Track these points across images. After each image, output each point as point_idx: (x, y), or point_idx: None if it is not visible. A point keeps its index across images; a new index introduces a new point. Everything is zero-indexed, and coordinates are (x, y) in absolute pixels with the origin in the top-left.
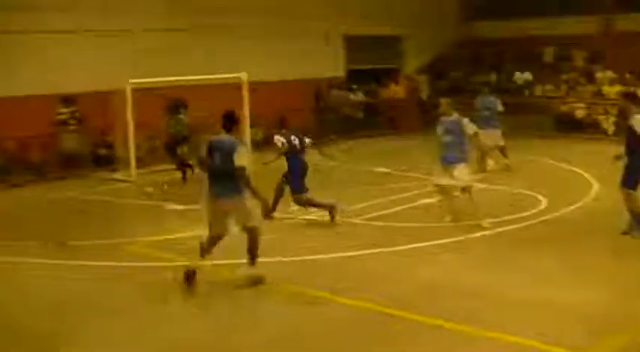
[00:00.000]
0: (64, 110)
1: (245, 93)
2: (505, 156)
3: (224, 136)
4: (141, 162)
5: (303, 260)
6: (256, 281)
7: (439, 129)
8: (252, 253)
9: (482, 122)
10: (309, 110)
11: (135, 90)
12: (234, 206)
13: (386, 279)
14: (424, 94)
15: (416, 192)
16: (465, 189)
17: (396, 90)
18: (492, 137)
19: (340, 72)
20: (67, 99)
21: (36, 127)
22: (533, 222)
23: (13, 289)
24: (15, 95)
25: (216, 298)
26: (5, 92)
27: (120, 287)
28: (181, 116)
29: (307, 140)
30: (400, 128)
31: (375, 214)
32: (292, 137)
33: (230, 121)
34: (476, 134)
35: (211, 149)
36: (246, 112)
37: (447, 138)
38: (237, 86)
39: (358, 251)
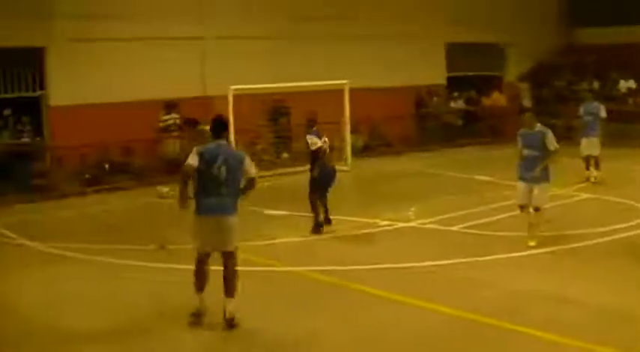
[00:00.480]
0: (166, 117)
1: (346, 100)
2: (597, 167)
3: (223, 144)
4: None
5: (398, 267)
6: (233, 323)
7: (519, 143)
8: (232, 283)
9: (584, 129)
10: (409, 117)
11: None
12: (226, 225)
13: (482, 287)
14: (526, 102)
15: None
16: (536, 208)
17: (498, 98)
18: (591, 146)
19: (441, 79)
20: (169, 106)
21: (139, 133)
22: (636, 232)
23: (111, 290)
24: (119, 101)
25: (307, 304)
26: (108, 98)
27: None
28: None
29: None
30: (501, 136)
31: (474, 222)
32: (323, 139)
33: (222, 127)
34: (557, 151)
35: (209, 159)
36: (346, 119)
37: (527, 152)
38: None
39: (455, 259)
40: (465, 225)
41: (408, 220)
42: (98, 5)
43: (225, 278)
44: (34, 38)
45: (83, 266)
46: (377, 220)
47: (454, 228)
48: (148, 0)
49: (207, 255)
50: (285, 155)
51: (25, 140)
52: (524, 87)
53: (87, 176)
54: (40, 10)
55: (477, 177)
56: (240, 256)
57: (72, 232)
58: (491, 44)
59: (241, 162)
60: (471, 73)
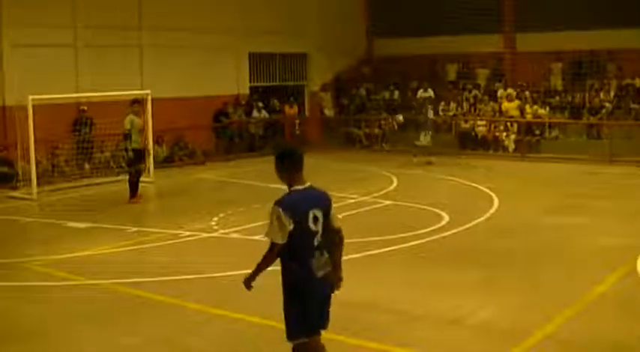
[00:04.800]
0: None
1: (149, 110)
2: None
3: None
4: (43, 179)
5: (203, 277)
6: None
7: None
8: None
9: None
10: (212, 127)
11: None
12: None
13: None
14: (327, 111)
15: None
16: None
17: (293, 109)
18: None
19: (244, 89)
20: None
21: None
22: (437, 236)
23: None
24: None
25: (115, 319)
26: None
27: (21, 307)
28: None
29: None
30: (304, 144)
31: None
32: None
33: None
34: None
35: None
36: (149, 129)
37: None
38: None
39: None
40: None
41: (212, 230)
42: None
43: None
44: None
45: None
46: (181, 231)
47: (257, 237)
48: None
49: None
50: (86, 166)
51: None
52: (326, 96)
53: None
54: None
55: (279, 185)
56: (41, 270)
57: None
58: (294, 54)
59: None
60: (274, 83)
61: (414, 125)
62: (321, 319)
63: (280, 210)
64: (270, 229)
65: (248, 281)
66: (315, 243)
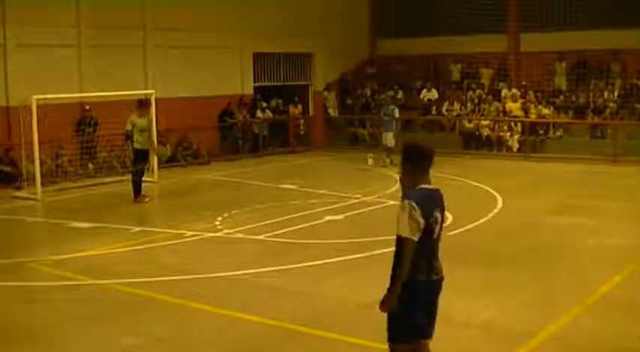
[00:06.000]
0: None
1: (153, 110)
2: (391, 154)
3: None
4: (47, 179)
5: (206, 277)
6: None
7: None
8: None
9: (384, 126)
10: (217, 127)
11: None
12: None
13: (290, 295)
14: (332, 111)
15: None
16: None
17: (298, 109)
18: (388, 139)
19: (248, 89)
20: None
21: None
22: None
23: None
24: None
25: (117, 318)
26: None
27: (23, 307)
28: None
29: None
30: (307, 144)
31: (280, 231)
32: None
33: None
34: None
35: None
36: (153, 129)
37: None
38: None
39: (262, 268)
40: (271, 233)
41: (215, 230)
42: None
43: None
44: None
45: None
46: (184, 231)
47: (260, 237)
48: None
49: None
50: (90, 166)
51: None
52: (331, 96)
53: None
54: None
55: (283, 185)
56: (45, 270)
57: None
58: (298, 54)
59: None
60: (278, 83)
61: (420, 127)
62: (428, 326)
63: (413, 205)
64: (403, 226)
65: (389, 303)
66: (436, 245)
